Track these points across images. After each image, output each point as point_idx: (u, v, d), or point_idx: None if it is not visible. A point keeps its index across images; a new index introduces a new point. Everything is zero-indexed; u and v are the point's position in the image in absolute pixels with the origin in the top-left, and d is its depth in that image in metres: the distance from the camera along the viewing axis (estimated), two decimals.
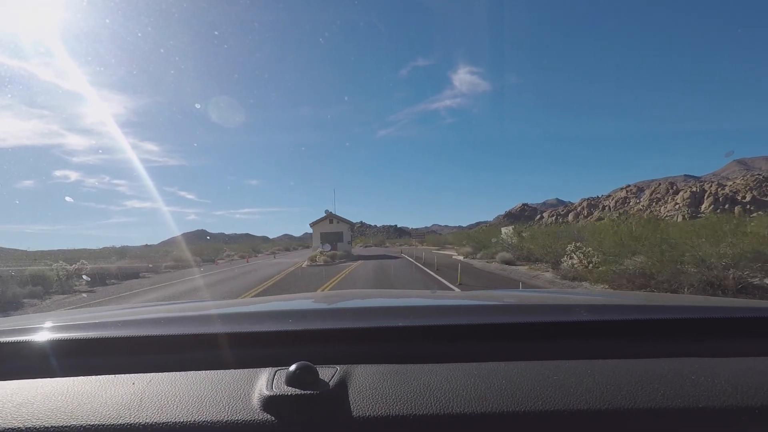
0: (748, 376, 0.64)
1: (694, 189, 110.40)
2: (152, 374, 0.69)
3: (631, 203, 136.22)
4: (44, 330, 0.83)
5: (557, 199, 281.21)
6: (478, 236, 27.84)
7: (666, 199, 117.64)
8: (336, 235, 32.78)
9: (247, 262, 27.62)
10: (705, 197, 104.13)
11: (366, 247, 74.63)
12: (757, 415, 0.57)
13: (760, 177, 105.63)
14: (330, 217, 34.76)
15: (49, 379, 0.70)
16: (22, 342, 0.79)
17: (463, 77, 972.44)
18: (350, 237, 35.07)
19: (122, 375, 0.69)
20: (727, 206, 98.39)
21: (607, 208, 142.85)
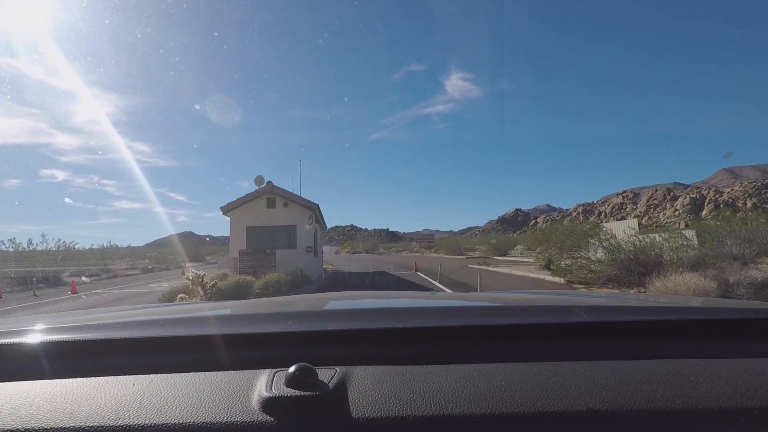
0: (748, 377, 0.65)
1: (694, 195, 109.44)
2: (152, 375, 0.69)
3: (628, 209, 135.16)
4: (44, 331, 0.83)
5: (548, 205, 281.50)
6: (574, 236, 12.76)
7: (664, 205, 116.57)
8: (280, 233, 16.11)
9: (73, 291, 15.23)
10: (705, 203, 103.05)
11: (354, 253, 59.36)
12: (756, 415, 0.57)
13: (759, 184, 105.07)
14: (268, 193, 16.37)
15: (48, 380, 0.69)
16: (22, 343, 0.78)
17: (456, 83, 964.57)
18: (314, 236, 17.30)
19: (122, 376, 0.69)
20: (728, 213, 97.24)
21: (603, 213, 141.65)
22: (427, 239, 49.84)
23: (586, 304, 1.15)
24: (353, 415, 0.57)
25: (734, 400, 0.59)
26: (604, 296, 1.76)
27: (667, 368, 0.67)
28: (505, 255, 32.84)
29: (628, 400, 0.59)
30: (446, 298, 1.73)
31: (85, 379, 0.68)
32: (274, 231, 16.38)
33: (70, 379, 0.68)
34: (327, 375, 0.63)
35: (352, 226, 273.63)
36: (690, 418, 0.57)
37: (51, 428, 0.57)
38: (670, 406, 0.58)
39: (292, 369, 0.61)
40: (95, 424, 0.57)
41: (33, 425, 0.57)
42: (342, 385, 0.62)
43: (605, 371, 0.66)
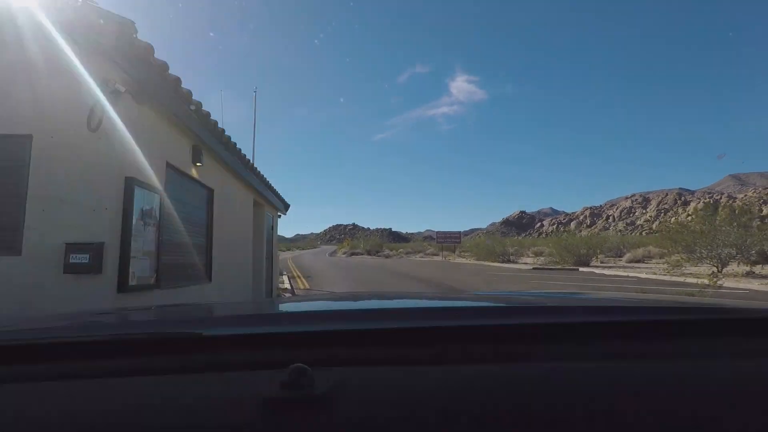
0: (744, 376, 0.66)
1: (707, 200, 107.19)
2: (146, 377, 0.68)
3: (637, 213, 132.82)
4: (36, 332, 0.82)
5: (551, 208, 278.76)
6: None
7: (675, 209, 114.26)
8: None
9: None
10: (720, 209, 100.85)
11: (353, 254, 47.17)
12: (752, 415, 0.58)
13: None
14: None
15: (40, 383, 0.68)
16: (14, 345, 0.77)
17: (461, 85, 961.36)
18: (141, 210, 3.27)
19: (116, 378, 0.68)
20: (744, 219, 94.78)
21: (611, 217, 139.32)
22: (451, 238, 37.60)
23: (583, 305, 1.16)
24: (349, 416, 0.57)
25: (730, 399, 0.60)
26: (601, 297, 1.76)
27: (665, 368, 0.67)
28: (587, 265, 22.78)
29: (623, 400, 0.59)
30: (444, 299, 1.75)
31: (78, 381, 0.67)
32: None
33: (63, 382, 0.67)
34: (323, 377, 0.62)
35: (353, 224, 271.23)
36: (688, 418, 0.57)
37: None
38: (665, 407, 0.58)
39: (287, 370, 0.60)
40: (89, 428, 0.56)
41: (24, 430, 0.56)
42: (338, 386, 0.61)
43: (601, 372, 0.66)
